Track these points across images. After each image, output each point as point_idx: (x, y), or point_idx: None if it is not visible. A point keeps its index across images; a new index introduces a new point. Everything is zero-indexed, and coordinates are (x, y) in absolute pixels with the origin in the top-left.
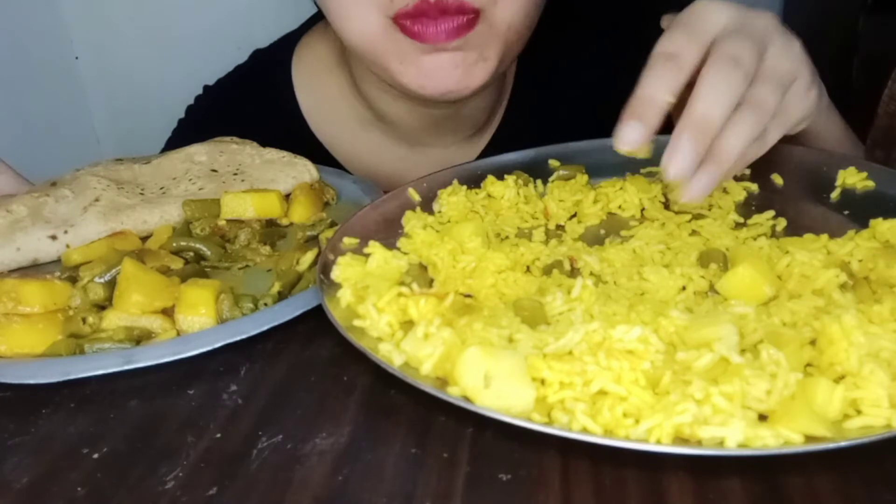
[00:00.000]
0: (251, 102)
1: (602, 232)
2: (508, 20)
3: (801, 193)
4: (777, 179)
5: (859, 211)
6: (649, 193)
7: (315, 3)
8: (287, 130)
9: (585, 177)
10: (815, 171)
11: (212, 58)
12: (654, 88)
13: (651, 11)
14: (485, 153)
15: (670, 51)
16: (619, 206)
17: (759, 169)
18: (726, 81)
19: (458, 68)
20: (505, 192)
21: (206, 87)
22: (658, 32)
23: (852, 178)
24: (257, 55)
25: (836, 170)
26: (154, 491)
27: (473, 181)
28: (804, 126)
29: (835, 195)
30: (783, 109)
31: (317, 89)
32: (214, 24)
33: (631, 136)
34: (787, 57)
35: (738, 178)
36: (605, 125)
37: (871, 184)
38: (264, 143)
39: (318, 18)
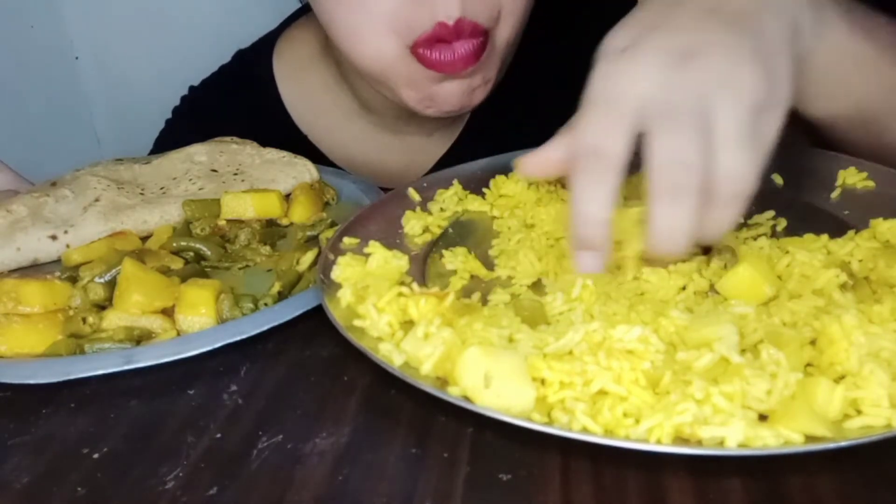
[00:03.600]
0: (235, 99)
1: None
2: (507, 38)
3: (801, 193)
4: (777, 179)
5: (859, 211)
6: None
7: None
8: (271, 125)
9: None
10: (816, 171)
11: (212, 58)
12: (592, 206)
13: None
14: (463, 136)
15: (594, 145)
16: None
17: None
18: (678, 210)
19: (464, 94)
20: (517, 186)
21: (191, 88)
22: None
23: (852, 178)
24: (239, 54)
25: (836, 170)
26: (154, 491)
27: (474, 181)
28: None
29: (835, 195)
30: (753, 160)
31: (299, 82)
32: (215, 25)
33: (592, 266)
34: (731, 107)
35: None
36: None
37: (871, 184)
38: (249, 137)
39: (299, 15)
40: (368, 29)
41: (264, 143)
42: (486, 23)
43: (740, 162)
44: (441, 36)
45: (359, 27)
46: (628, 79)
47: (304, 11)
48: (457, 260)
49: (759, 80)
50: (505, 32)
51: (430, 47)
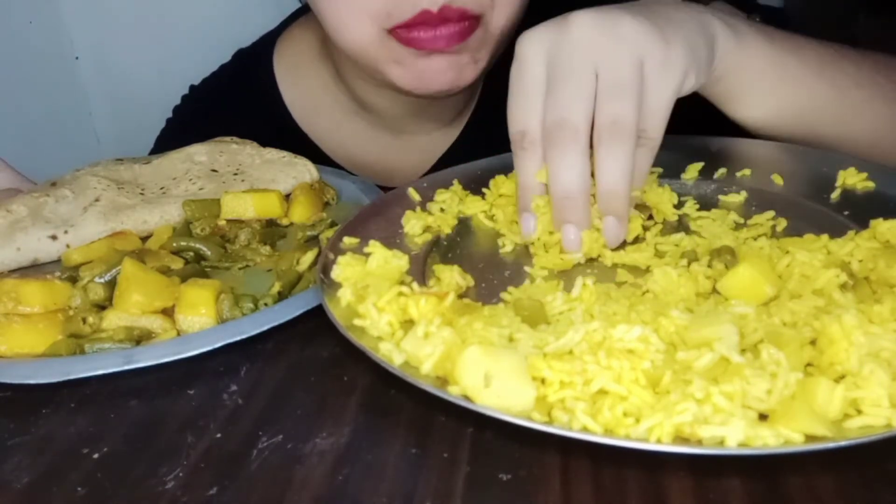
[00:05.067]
0: (235, 99)
1: None
2: (503, 25)
3: (801, 194)
4: (777, 180)
5: (859, 211)
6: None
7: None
8: (271, 124)
9: None
10: (815, 171)
11: (212, 58)
12: (524, 177)
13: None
14: (463, 135)
15: (517, 130)
16: None
17: (760, 169)
18: (564, 158)
19: (451, 70)
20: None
21: (191, 87)
22: None
23: (852, 179)
24: (239, 53)
25: (836, 170)
26: (154, 491)
27: (474, 181)
28: (693, 83)
29: (835, 195)
30: (645, 107)
31: (299, 82)
32: (215, 25)
33: (527, 228)
34: (616, 57)
35: None
36: None
37: (871, 184)
38: (250, 137)
39: (299, 14)
40: (347, 15)
41: (265, 142)
42: (475, 9)
43: (618, 110)
44: (424, 21)
45: (340, 14)
46: (528, 59)
47: (304, 11)
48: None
49: (646, 38)
50: (500, 20)
51: (408, 28)
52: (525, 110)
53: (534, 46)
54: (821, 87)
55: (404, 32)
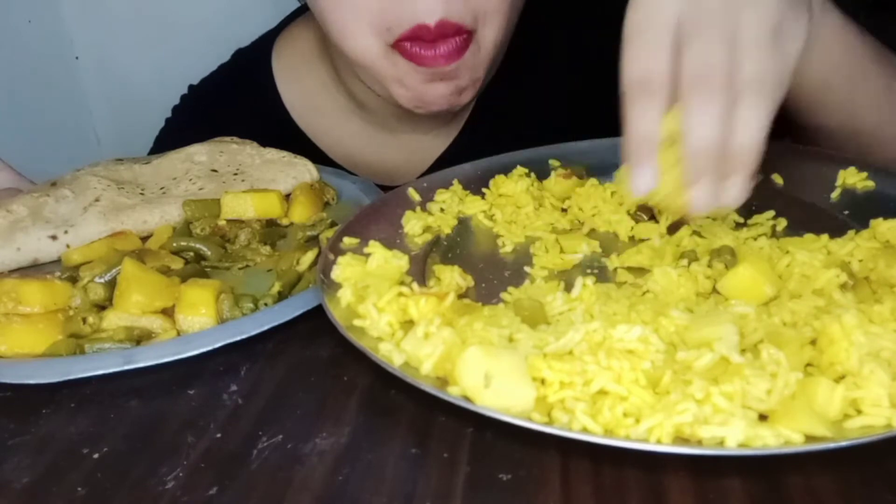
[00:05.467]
0: (234, 98)
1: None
2: (493, 38)
3: (801, 193)
4: (777, 179)
5: (859, 211)
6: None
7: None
8: (270, 123)
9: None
10: (816, 171)
11: (212, 58)
12: (643, 125)
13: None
14: (462, 135)
15: (640, 76)
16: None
17: (760, 169)
18: (708, 108)
19: (452, 95)
20: (517, 186)
21: (190, 87)
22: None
23: (852, 179)
24: (238, 53)
25: (836, 170)
26: (154, 491)
27: (474, 182)
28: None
29: (835, 195)
30: (776, 67)
31: (298, 81)
32: (215, 24)
33: (644, 183)
34: (756, 16)
35: None
36: (576, 109)
37: (871, 184)
38: (249, 136)
39: (297, 14)
40: (353, 26)
41: (264, 141)
42: (469, 24)
43: (763, 65)
44: (421, 36)
45: (345, 24)
46: (656, 5)
47: (303, 10)
48: (445, 276)
49: (780, 3)
50: (491, 33)
51: (410, 42)
52: (652, 54)
53: None
54: (875, 73)
55: (407, 45)
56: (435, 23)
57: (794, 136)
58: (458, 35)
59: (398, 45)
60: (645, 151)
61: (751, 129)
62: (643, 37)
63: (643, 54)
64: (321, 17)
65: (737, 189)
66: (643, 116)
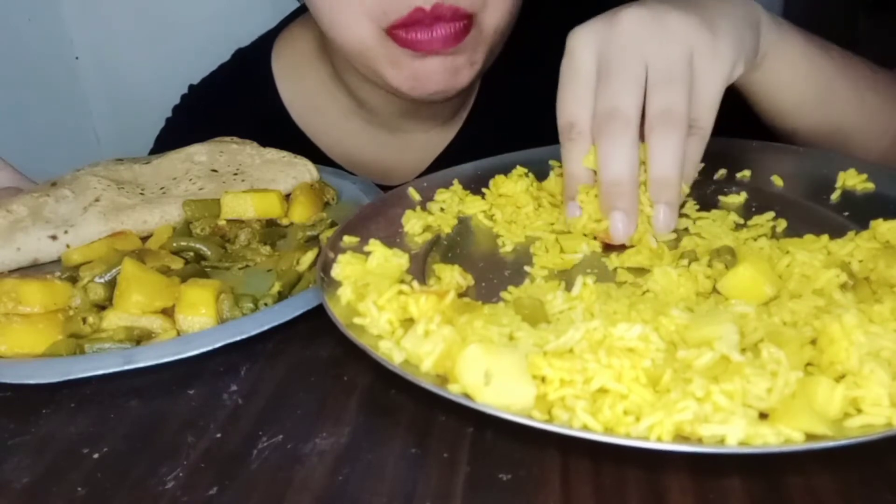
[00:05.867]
0: (234, 98)
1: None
2: (495, 24)
3: (801, 195)
4: (777, 181)
5: (859, 212)
6: None
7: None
8: (270, 123)
9: None
10: (815, 172)
11: (212, 58)
12: (570, 166)
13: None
14: (461, 134)
15: (566, 122)
16: None
17: (760, 170)
18: (614, 146)
19: (446, 72)
20: (516, 186)
21: (191, 87)
22: None
23: (852, 180)
24: (238, 53)
25: (836, 171)
26: (154, 491)
27: (474, 181)
28: (741, 71)
29: (835, 196)
30: (695, 97)
31: (298, 81)
32: (215, 24)
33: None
34: (665, 50)
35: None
36: None
37: (870, 185)
38: (248, 136)
39: (297, 14)
40: (345, 14)
41: (263, 141)
42: (468, 7)
43: (670, 98)
44: (418, 19)
45: (337, 12)
46: (578, 52)
47: (303, 11)
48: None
49: (695, 31)
50: (492, 19)
51: (406, 29)
52: (575, 101)
53: (585, 39)
54: (842, 84)
55: (402, 33)
56: (431, 6)
57: (773, 139)
58: (455, 20)
59: (392, 33)
60: (570, 187)
61: (664, 162)
62: (567, 83)
63: (568, 101)
64: (315, 9)
65: (661, 216)
66: (571, 158)
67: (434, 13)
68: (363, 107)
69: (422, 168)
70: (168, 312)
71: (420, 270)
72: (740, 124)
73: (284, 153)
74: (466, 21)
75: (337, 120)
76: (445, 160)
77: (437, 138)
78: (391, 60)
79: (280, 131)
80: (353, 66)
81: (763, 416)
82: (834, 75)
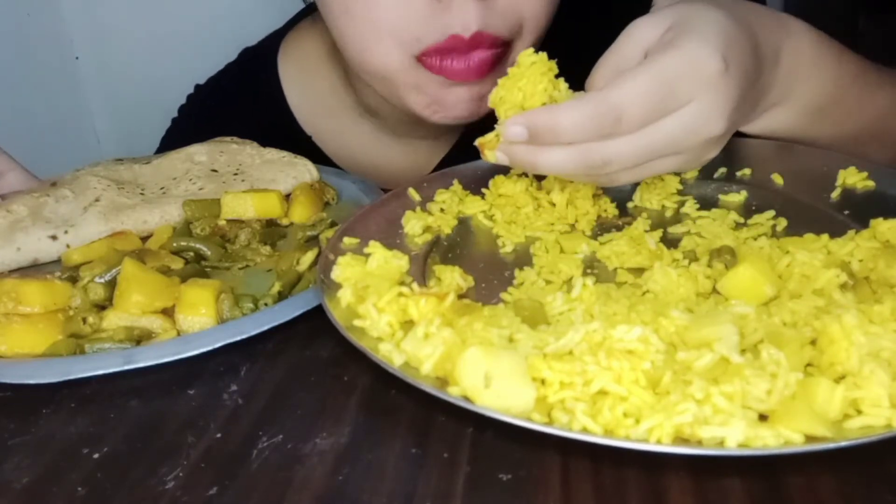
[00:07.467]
0: (239, 99)
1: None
2: (525, 49)
3: (801, 193)
4: (777, 179)
5: (859, 211)
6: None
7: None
8: (274, 125)
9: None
10: (816, 171)
11: (212, 58)
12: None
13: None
14: (466, 138)
15: (618, 120)
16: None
17: (760, 168)
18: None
19: (473, 101)
20: (516, 186)
21: (197, 87)
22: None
23: (852, 178)
24: (245, 53)
25: (836, 170)
26: (154, 491)
27: (474, 182)
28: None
29: (835, 195)
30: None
31: (304, 83)
32: (215, 24)
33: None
34: (683, 125)
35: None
36: None
37: (871, 184)
38: (254, 137)
39: (305, 14)
40: (374, 40)
41: (270, 143)
42: (508, 35)
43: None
44: (454, 47)
45: (364, 38)
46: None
47: (310, 11)
48: (445, 276)
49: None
50: (526, 44)
51: (439, 56)
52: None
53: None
54: (856, 97)
55: (436, 60)
56: (471, 34)
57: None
58: (493, 48)
59: (423, 59)
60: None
61: (574, 155)
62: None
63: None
64: (335, 29)
65: (510, 133)
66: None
67: (473, 41)
68: (371, 112)
69: (427, 171)
70: (168, 312)
71: (420, 271)
72: None
73: (284, 153)
74: (502, 49)
75: (344, 125)
76: (450, 165)
77: (444, 144)
78: (416, 86)
79: (286, 135)
80: (371, 84)
81: (763, 417)
82: (849, 89)
